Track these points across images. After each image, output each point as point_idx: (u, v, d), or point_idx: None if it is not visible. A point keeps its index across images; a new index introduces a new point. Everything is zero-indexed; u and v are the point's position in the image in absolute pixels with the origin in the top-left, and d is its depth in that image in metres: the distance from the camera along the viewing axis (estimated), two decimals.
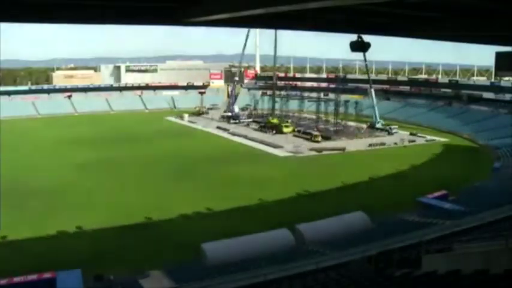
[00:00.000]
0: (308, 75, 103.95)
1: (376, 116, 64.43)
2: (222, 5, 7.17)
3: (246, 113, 76.69)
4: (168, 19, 8.25)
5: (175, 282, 17.66)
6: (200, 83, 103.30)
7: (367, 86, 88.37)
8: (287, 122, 63.14)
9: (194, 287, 15.40)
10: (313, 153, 47.66)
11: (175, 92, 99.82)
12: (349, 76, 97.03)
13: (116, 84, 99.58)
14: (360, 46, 9.79)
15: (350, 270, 12.85)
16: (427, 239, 15.43)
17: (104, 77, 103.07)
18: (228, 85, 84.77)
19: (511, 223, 16.30)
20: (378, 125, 63.00)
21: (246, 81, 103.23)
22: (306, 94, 76.72)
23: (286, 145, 50.55)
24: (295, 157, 45.84)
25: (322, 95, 75.07)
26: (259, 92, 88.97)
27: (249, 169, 39.02)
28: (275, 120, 62.70)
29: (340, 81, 75.42)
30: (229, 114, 73.13)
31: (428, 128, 63.17)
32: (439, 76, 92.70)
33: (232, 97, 77.99)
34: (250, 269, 17.20)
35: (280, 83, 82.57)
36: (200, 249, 20.48)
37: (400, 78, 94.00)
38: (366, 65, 71.14)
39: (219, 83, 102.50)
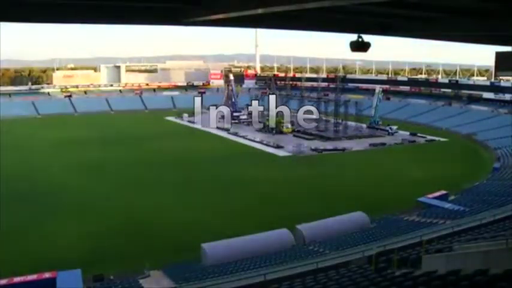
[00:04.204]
0: (308, 75, 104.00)
1: (376, 116, 64.55)
2: (222, 5, 7.17)
3: (246, 112, 76.66)
4: (168, 19, 8.25)
5: (175, 282, 17.67)
6: (200, 83, 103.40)
7: (368, 85, 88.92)
8: (287, 122, 63.03)
9: (194, 287, 15.40)
10: (314, 153, 47.76)
11: (175, 92, 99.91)
12: (349, 76, 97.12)
13: (116, 84, 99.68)
14: (360, 46, 9.75)
15: (350, 270, 12.85)
16: (427, 239, 15.43)
17: (104, 77, 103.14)
18: (227, 85, 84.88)
19: (511, 223, 16.31)
20: (378, 125, 63.13)
21: (246, 81, 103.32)
22: (306, 94, 76.70)
23: (287, 145, 50.59)
24: (296, 157, 45.89)
25: (322, 94, 75.12)
26: (260, 92, 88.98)
27: (253, 170, 39.30)
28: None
29: (340, 81, 75.42)
30: (237, 113, 73.00)
31: (428, 128, 63.23)
32: (439, 76, 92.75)
33: (234, 95, 77.86)
34: (250, 269, 17.21)
35: (280, 83, 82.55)
36: (200, 249, 20.50)
37: (400, 78, 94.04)
38: None
39: (219, 83, 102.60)
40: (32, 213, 27.00)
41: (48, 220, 25.93)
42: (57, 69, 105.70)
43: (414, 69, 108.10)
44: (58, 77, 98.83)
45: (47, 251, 21.62)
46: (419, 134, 58.25)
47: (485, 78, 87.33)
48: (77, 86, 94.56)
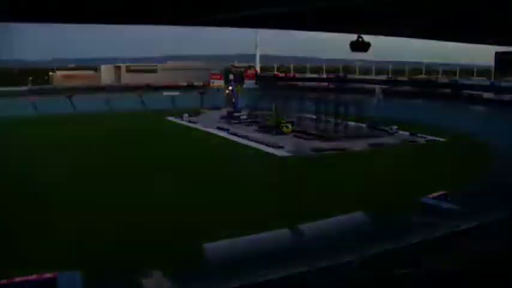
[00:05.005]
0: (308, 75, 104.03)
1: (376, 116, 64.61)
2: (222, 5, 7.19)
3: (246, 112, 76.80)
4: (168, 19, 8.27)
5: (175, 282, 17.69)
6: (200, 83, 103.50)
7: (368, 86, 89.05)
8: (287, 122, 63.09)
9: (194, 287, 15.42)
10: (314, 153, 47.80)
11: (175, 92, 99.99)
12: (349, 76, 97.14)
13: (116, 84, 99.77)
14: (360, 46, 9.79)
15: (350, 270, 12.88)
16: (427, 239, 15.45)
17: (104, 77, 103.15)
18: (227, 86, 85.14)
19: (509, 223, 16.33)
20: (378, 125, 63.20)
21: (246, 81, 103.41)
22: (306, 94, 76.84)
23: (287, 145, 50.61)
24: (296, 157, 45.93)
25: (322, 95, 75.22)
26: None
27: (252, 169, 39.32)
28: (271, 122, 62.51)
29: (340, 81, 75.51)
30: (238, 113, 73.12)
31: (428, 128, 63.21)
32: (439, 76, 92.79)
33: (234, 96, 78.00)
34: (251, 269, 17.22)
35: (281, 83, 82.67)
36: (201, 249, 20.51)
37: (400, 78, 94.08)
38: None
39: (219, 83, 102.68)
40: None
41: (42, 221, 26.01)
42: (58, 69, 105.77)
43: (414, 69, 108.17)
44: (58, 77, 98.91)
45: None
46: (419, 134, 58.27)
47: (485, 78, 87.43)
48: (77, 86, 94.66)
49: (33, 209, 27.91)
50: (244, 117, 73.24)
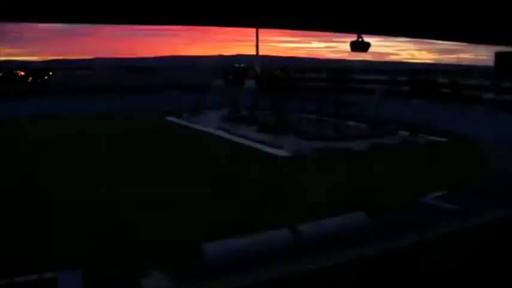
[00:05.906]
0: (308, 75, 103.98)
1: (376, 116, 64.57)
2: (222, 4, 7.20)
3: (247, 113, 76.81)
4: (169, 19, 8.30)
5: (175, 282, 17.71)
6: (200, 83, 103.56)
7: (368, 86, 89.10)
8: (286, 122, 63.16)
9: (194, 287, 15.40)
10: (314, 153, 47.77)
11: (176, 92, 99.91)
12: (349, 76, 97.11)
13: (116, 85, 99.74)
14: (359, 46, 9.82)
15: (350, 269, 12.87)
16: (427, 239, 15.43)
17: (104, 77, 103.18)
18: (227, 86, 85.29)
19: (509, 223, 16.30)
20: (378, 125, 63.21)
21: (246, 81, 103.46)
22: (306, 94, 76.79)
23: (287, 145, 50.61)
24: (297, 157, 45.95)
25: (322, 95, 75.17)
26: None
27: (253, 169, 39.45)
28: (271, 122, 62.54)
29: (340, 82, 75.52)
30: (239, 114, 73.31)
31: (428, 128, 63.13)
32: (439, 76, 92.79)
33: (235, 96, 78.06)
34: (250, 269, 17.23)
35: (280, 84, 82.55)
36: (200, 250, 20.53)
37: (400, 78, 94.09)
38: None
39: (219, 84, 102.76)
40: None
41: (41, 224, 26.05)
42: (57, 69, 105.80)
43: (415, 69, 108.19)
44: (58, 78, 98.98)
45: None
46: (419, 135, 58.24)
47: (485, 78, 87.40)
48: (77, 86, 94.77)
49: None
50: (245, 117, 73.24)
